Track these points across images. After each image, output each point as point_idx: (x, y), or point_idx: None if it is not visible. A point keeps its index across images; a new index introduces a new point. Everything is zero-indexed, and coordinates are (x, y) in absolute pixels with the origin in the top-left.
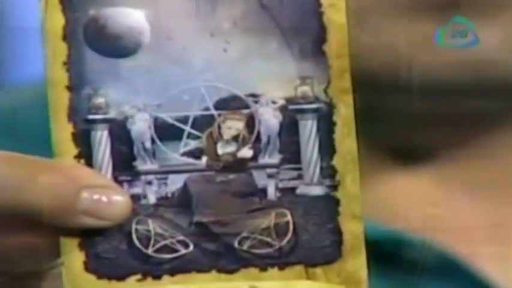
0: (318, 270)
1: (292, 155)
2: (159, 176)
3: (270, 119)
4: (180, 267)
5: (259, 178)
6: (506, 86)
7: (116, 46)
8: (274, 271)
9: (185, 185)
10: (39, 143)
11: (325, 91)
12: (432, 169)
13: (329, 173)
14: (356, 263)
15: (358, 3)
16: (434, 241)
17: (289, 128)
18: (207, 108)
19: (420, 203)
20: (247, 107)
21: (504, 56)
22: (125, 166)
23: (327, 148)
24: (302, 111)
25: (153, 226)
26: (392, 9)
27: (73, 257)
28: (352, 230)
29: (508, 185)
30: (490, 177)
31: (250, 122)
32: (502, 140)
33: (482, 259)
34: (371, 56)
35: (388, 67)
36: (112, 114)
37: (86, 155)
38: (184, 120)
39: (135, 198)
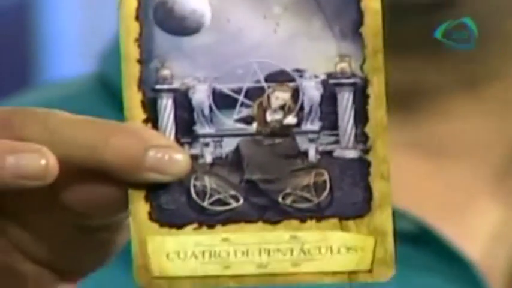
0: (350, 223)
1: (330, 122)
2: (215, 139)
3: (312, 91)
4: (231, 218)
5: (302, 142)
6: None
7: (181, 26)
8: (312, 223)
9: (237, 147)
10: None
11: (361, 68)
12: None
13: (362, 139)
14: (383, 217)
15: None
16: (406, 209)
17: (329, 100)
18: (258, 81)
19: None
20: (293, 80)
21: None
22: (186, 130)
23: (361, 117)
24: (340, 85)
25: (209, 182)
26: None
27: (139, 207)
28: (380, 189)
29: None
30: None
31: (295, 94)
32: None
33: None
34: None
35: None
36: (176, 84)
37: (153, 119)
38: (238, 91)
39: (194, 157)
